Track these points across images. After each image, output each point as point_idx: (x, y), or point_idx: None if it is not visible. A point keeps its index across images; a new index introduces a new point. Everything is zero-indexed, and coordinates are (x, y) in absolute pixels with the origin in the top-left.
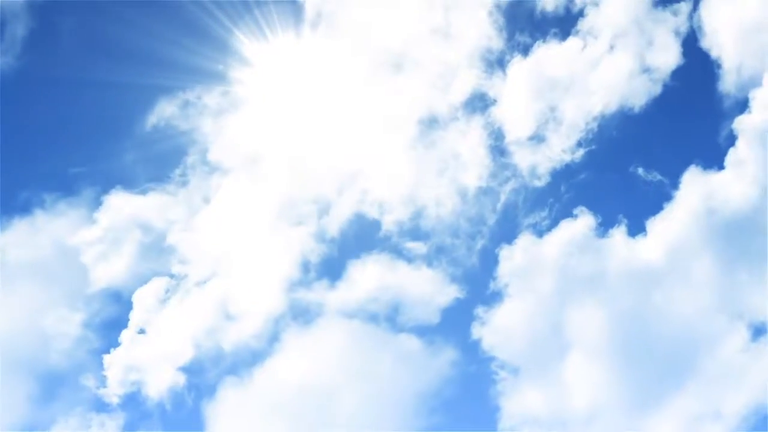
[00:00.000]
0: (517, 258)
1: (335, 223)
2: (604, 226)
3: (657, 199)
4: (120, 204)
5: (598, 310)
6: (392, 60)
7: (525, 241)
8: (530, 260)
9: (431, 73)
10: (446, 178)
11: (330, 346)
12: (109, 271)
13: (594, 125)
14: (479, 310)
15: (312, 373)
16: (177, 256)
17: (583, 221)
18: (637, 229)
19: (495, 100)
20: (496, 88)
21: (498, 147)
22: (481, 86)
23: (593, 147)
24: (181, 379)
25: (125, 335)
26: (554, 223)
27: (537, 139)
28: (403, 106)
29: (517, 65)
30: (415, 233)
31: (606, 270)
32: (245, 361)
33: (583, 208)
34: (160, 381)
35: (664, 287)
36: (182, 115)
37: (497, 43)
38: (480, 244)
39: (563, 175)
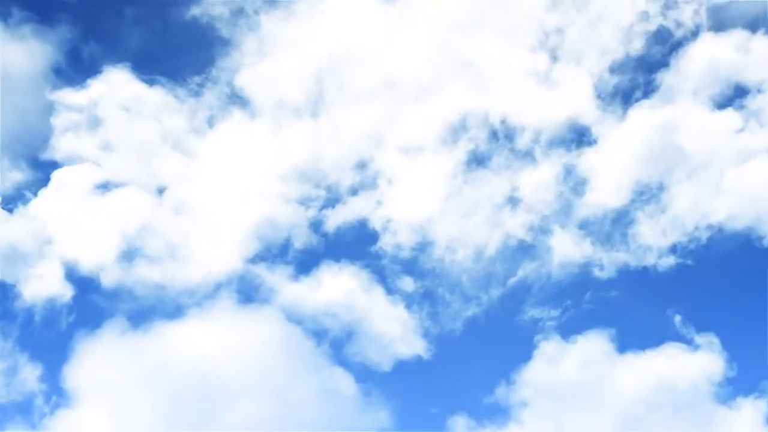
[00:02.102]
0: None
1: (335, 219)
2: (734, 384)
3: None
4: (120, 82)
5: None
6: (471, 69)
7: (589, 347)
8: (578, 380)
9: (515, 86)
10: (475, 219)
11: (258, 340)
12: (72, 146)
13: (704, 234)
14: (457, 421)
15: (222, 359)
16: (148, 164)
17: (705, 360)
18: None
19: (595, 141)
20: (604, 127)
21: (567, 201)
22: (585, 117)
23: (689, 262)
24: (68, 294)
25: None
26: (643, 343)
27: (622, 214)
28: (465, 120)
29: (645, 111)
30: (410, 266)
31: None
32: (154, 311)
33: (712, 338)
34: (43, 284)
35: None
36: (230, 21)
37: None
38: (472, 311)
39: (638, 277)
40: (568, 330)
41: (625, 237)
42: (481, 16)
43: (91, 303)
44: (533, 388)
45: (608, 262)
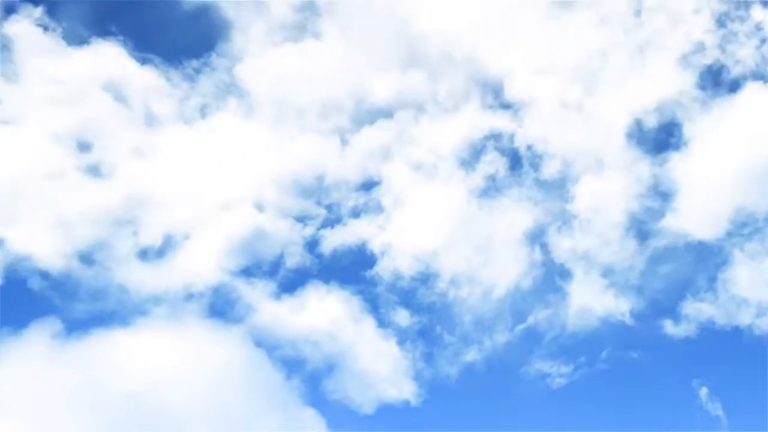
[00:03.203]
0: None
1: (332, 241)
2: None
3: None
4: (109, 57)
5: None
6: (499, 87)
7: None
8: None
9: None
10: (487, 253)
11: (219, 364)
12: (50, 118)
13: None
14: None
15: (171, 381)
16: (122, 148)
17: None
18: None
19: (679, 146)
20: (693, 126)
21: (636, 222)
22: (666, 109)
23: None
24: None
25: None
26: None
27: (714, 250)
28: (486, 141)
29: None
30: (408, 298)
31: None
32: (102, 314)
33: None
34: None
35: None
36: (237, 1)
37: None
38: (472, 356)
39: (726, 339)
40: None
41: (715, 280)
42: (518, 27)
43: (22, 297)
44: None
45: (688, 310)
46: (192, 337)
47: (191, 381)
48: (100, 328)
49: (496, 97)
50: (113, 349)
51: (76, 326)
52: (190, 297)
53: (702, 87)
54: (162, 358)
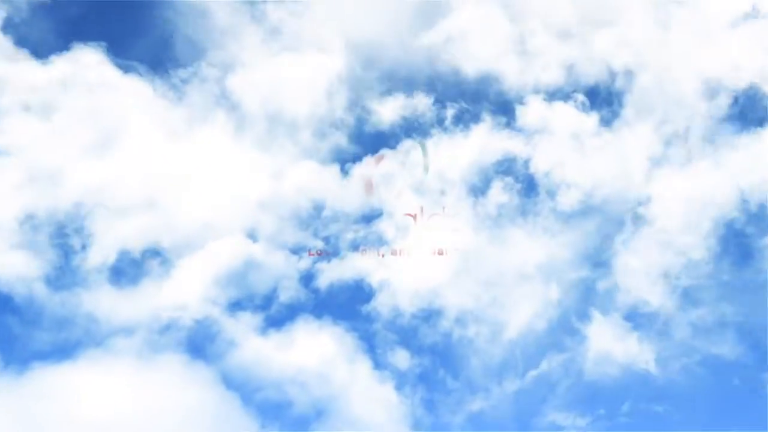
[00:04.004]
0: None
1: (329, 275)
2: None
3: None
4: (89, 64)
5: None
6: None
7: None
8: None
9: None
10: (496, 290)
11: (184, 409)
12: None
13: None
14: None
15: (123, 426)
16: (97, 160)
17: None
18: None
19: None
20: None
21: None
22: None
23: None
24: None
25: None
26: None
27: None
28: (499, 166)
29: None
30: (408, 338)
31: None
32: (59, 345)
33: None
34: None
35: None
36: (232, 6)
37: None
38: (479, 405)
39: None
40: None
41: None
42: (535, 45)
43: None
44: None
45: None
46: (159, 374)
47: (148, 425)
48: (47, 362)
49: (509, 119)
50: (59, 387)
51: (16, 358)
52: (166, 329)
53: None
54: (119, 397)
